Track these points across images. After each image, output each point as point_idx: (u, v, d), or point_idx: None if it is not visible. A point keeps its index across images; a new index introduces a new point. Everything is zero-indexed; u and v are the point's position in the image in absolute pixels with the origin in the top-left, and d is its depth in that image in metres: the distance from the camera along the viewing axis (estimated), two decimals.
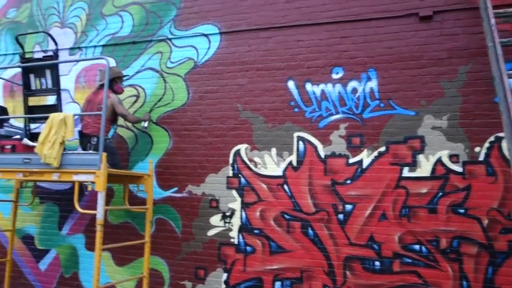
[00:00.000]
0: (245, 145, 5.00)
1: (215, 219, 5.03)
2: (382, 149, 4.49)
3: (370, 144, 4.54)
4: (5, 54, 6.42)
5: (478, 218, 4.10)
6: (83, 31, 5.98)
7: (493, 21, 3.81)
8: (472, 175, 4.17)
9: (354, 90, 4.65)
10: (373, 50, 4.62)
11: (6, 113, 5.49)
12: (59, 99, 4.78)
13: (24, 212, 5.99)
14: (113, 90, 4.87)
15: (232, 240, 4.93)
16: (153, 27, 5.57)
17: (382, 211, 4.43)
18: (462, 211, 4.15)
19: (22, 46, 4.98)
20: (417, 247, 4.25)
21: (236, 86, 5.10)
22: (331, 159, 4.65)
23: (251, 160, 4.96)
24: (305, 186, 4.71)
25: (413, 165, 4.36)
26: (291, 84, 4.89)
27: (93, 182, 4.30)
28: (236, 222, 4.95)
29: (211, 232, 5.04)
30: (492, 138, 4.16)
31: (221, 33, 5.24)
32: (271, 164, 4.88)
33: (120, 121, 5.34)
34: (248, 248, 4.86)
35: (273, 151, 4.88)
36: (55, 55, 4.74)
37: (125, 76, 5.26)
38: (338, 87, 4.71)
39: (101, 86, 4.83)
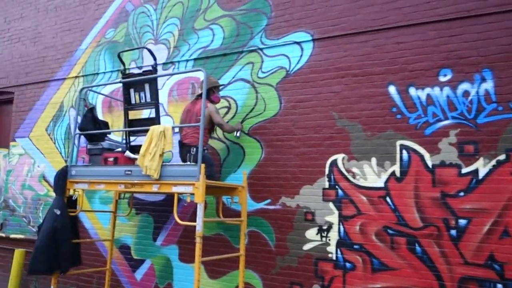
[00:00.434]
0: (342, 155, 4.75)
1: (311, 233, 4.81)
2: (502, 157, 4.01)
3: (486, 152, 4.08)
4: (104, 72, 6.80)
5: None
6: (175, 46, 6.14)
7: None
8: None
9: (466, 93, 4.23)
10: (487, 48, 4.18)
11: (108, 127, 5.75)
12: (157, 112, 4.88)
13: (121, 223, 6.20)
14: (210, 100, 4.90)
15: (329, 255, 4.68)
16: (244, 38, 5.57)
17: (503, 227, 3.93)
18: None
19: (123, 63, 5.19)
20: None
21: (331, 94, 4.89)
22: (441, 169, 4.24)
23: (349, 171, 4.70)
24: (410, 199, 4.35)
25: None
26: (392, 89, 4.58)
27: (191, 194, 4.29)
28: (333, 236, 4.69)
29: (307, 247, 4.82)
30: None
31: (314, 40, 5.08)
32: (371, 174, 4.58)
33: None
34: (348, 265, 4.57)
35: (373, 161, 4.58)
36: (154, 70, 4.86)
37: (221, 85, 5.28)
38: (447, 90, 4.31)
39: (199, 96, 4.88)
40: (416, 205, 4.31)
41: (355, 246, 4.55)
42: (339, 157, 4.77)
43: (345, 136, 4.76)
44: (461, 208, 4.10)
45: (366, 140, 4.63)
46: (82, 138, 5.87)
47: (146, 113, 6.06)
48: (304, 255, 4.82)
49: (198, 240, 4.14)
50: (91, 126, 5.28)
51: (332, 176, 4.78)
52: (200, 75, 5.76)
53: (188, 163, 4.57)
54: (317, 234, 4.78)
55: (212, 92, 4.96)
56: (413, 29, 4.52)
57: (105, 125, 5.64)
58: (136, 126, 5.14)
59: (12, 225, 7.49)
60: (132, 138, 5.57)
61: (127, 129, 5.03)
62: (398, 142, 4.47)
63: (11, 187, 7.65)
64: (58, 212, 5.02)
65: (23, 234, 7.28)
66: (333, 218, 4.71)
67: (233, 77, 5.57)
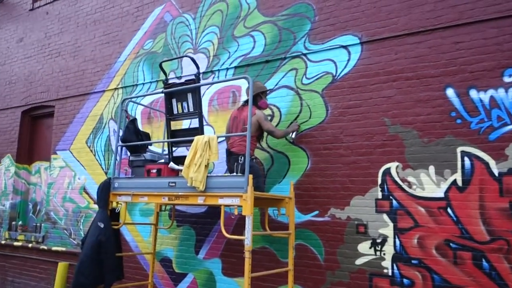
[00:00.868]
0: (396, 163, 4.47)
1: (364, 247, 4.53)
2: None
3: None
4: (143, 83, 6.76)
5: None
6: (215, 54, 6.03)
7: None
8: None
9: None
10: None
11: (149, 138, 5.67)
12: (201, 121, 4.75)
13: (162, 235, 6.09)
14: (257, 106, 4.72)
15: (385, 270, 4.38)
16: (286, 43, 5.39)
17: None
18: None
19: (165, 73, 5.10)
20: None
21: (383, 99, 4.63)
22: (509, 178, 3.90)
23: (404, 180, 4.41)
24: (475, 210, 4.02)
25: None
26: (450, 92, 4.28)
27: (239, 206, 4.10)
28: (389, 250, 4.39)
29: (359, 261, 4.54)
30: None
31: (362, 43, 4.84)
32: (429, 184, 4.27)
33: None
34: (406, 281, 4.26)
35: (431, 169, 4.27)
36: (197, 79, 4.73)
37: (268, 90, 5.12)
38: None
39: (246, 102, 4.72)
40: (481, 216, 3.98)
41: (413, 261, 4.24)
42: (393, 165, 4.49)
43: (399, 143, 4.48)
44: None
45: (423, 147, 4.34)
46: (124, 149, 5.83)
47: (186, 124, 5.97)
48: (357, 270, 4.54)
49: (247, 255, 3.93)
50: (134, 137, 5.20)
51: (385, 186, 4.50)
52: (242, 83, 5.62)
53: (234, 174, 4.40)
54: (370, 247, 4.50)
55: (259, 97, 4.78)
56: (471, 28, 4.22)
57: (146, 136, 5.56)
58: (178, 137, 5.02)
59: (53, 237, 7.51)
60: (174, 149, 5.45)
61: (170, 139, 4.91)
62: (459, 149, 4.16)
63: (52, 200, 7.70)
64: (102, 225, 4.94)
65: (64, 246, 7.28)
66: (388, 230, 4.42)
67: (276, 84, 5.39)
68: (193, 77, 4.76)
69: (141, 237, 6.39)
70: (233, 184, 4.12)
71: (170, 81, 5.08)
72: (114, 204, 5.14)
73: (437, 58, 4.38)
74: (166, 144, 6.05)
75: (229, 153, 4.64)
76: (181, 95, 4.88)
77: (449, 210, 4.13)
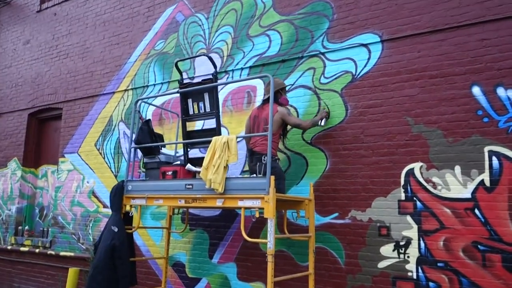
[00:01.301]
0: (419, 164, 4.36)
1: (387, 249, 4.41)
2: None
3: None
4: (154, 84, 6.65)
5: None
6: (229, 54, 5.93)
7: None
8: None
9: None
10: None
11: (163, 140, 5.55)
12: (218, 122, 4.63)
13: (174, 239, 5.96)
14: (278, 103, 4.59)
15: (409, 274, 4.25)
16: (303, 42, 5.28)
17: None
18: None
19: (181, 73, 4.99)
20: None
21: (405, 98, 4.52)
22: None
23: (428, 181, 4.29)
24: (504, 211, 3.89)
25: None
26: (476, 90, 4.17)
27: (260, 208, 3.98)
28: (413, 253, 4.27)
29: (382, 264, 4.41)
30: None
31: (382, 41, 4.74)
32: (455, 184, 4.15)
33: None
34: (431, 284, 4.13)
35: (457, 169, 4.15)
36: (215, 78, 4.62)
37: (288, 85, 5.01)
38: None
39: (266, 100, 4.61)
40: (511, 217, 3.86)
41: (439, 264, 4.12)
42: (416, 166, 4.37)
43: (423, 143, 4.36)
44: None
45: (448, 147, 4.22)
46: (135, 151, 5.70)
47: (199, 125, 5.85)
48: (380, 273, 4.41)
49: (270, 259, 3.80)
50: (148, 139, 5.08)
51: (408, 187, 4.38)
52: (258, 83, 5.52)
53: (254, 176, 4.27)
54: (393, 250, 4.37)
55: (279, 94, 4.66)
56: (499, 24, 4.11)
57: (160, 138, 5.44)
58: (194, 138, 4.90)
59: (61, 242, 7.37)
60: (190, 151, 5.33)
61: (187, 141, 4.79)
62: (486, 148, 4.04)
63: (60, 204, 7.56)
64: (116, 229, 4.82)
65: (72, 251, 7.14)
66: (412, 232, 4.30)
67: (293, 84, 5.28)
68: (209, 76, 4.65)
69: (152, 241, 6.26)
70: (254, 186, 4.00)
71: (184, 81, 4.96)
72: (128, 208, 5.02)
73: (462, 56, 4.27)
74: (178, 145, 5.96)
75: (251, 152, 4.52)
76: (197, 95, 4.77)
77: (476, 211, 4.01)
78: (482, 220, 3.97)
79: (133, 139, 5.12)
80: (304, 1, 5.39)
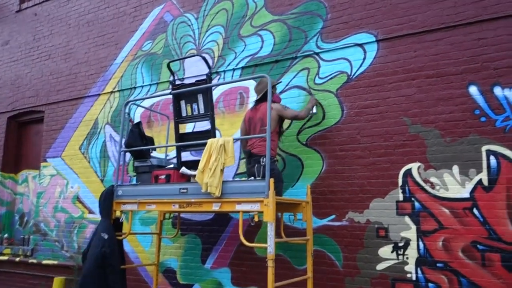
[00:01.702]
0: (417, 164, 4.33)
1: (385, 251, 4.36)
2: None
3: None
4: (142, 86, 6.48)
5: None
6: (220, 55, 5.82)
7: None
8: None
9: None
10: None
11: (154, 143, 5.39)
12: (213, 124, 4.51)
13: (165, 245, 5.79)
14: (271, 101, 4.47)
15: (408, 275, 4.21)
16: (297, 43, 5.22)
17: None
18: None
19: (173, 73, 4.85)
20: None
21: (401, 98, 4.50)
22: None
23: (426, 181, 4.26)
24: (502, 210, 3.89)
25: None
26: (473, 90, 4.17)
27: (259, 212, 3.87)
28: (412, 254, 4.23)
29: (380, 266, 4.36)
30: None
31: (378, 41, 4.71)
32: (453, 184, 4.14)
33: None
34: (431, 285, 4.10)
35: (455, 169, 4.14)
36: (209, 79, 4.51)
37: (278, 82, 4.93)
38: None
39: (258, 101, 4.52)
40: (509, 216, 3.86)
41: (439, 265, 4.09)
42: (414, 166, 4.34)
43: (420, 143, 4.34)
44: None
45: (445, 147, 4.21)
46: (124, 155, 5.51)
47: (189, 127, 5.72)
48: (378, 275, 4.35)
49: (270, 264, 3.70)
50: (139, 141, 4.91)
51: (406, 188, 4.35)
52: (250, 84, 5.42)
53: (253, 178, 4.17)
54: (392, 252, 4.33)
55: (272, 93, 4.55)
56: (496, 23, 4.13)
57: (151, 141, 5.28)
58: (187, 140, 4.77)
59: (43, 250, 7.09)
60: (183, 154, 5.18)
61: (181, 143, 4.65)
62: (484, 148, 4.04)
63: (42, 210, 7.29)
64: (106, 236, 4.63)
65: (56, 259, 6.87)
66: (411, 233, 4.26)
67: (287, 85, 5.21)
68: (203, 77, 4.53)
69: (141, 248, 6.07)
70: (253, 189, 3.89)
71: (177, 82, 4.83)
72: (118, 213, 4.83)
73: (458, 55, 4.27)
74: (169, 148, 5.80)
75: (249, 154, 4.40)
76: (190, 97, 4.65)
77: (475, 210, 4.00)
78: (481, 219, 3.96)
79: (123, 142, 4.94)
80: (297, 1, 5.33)
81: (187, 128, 5.74)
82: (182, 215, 5.67)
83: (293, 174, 4.99)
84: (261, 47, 5.48)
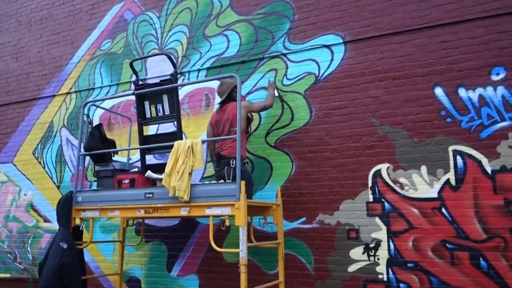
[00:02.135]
0: (386, 165, 4.36)
1: (356, 252, 4.35)
2: None
3: None
4: (101, 87, 6.18)
5: None
6: (184, 55, 5.64)
7: None
8: None
9: None
10: None
11: (115, 146, 5.12)
12: (179, 125, 4.34)
13: (128, 253, 5.53)
14: (235, 101, 4.36)
15: (380, 276, 4.22)
16: (264, 43, 5.14)
17: None
18: None
19: (136, 73, 4.63)
20: None
21: (369, 99, 4.51)
22: (502, 175, 3.91)
23: (395, 182, 4.30)
24: (470, 209, 3.98)
25: None
26: (438, 91, 4.25)
27: (230, 216, 3.75)
28: (383, 254, 4.25)
29: (352, 268, 4.35)
30: None
31: (345, 43, 4.71)
32: (422, 184, 4.19)
33: None
34: (402, 286, 4.13)
35: (423, 169, 4.20)
36: (175, 78, 4.33)
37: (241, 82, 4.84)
38: (501, 90, 4.02)
39: (222, 103, 4.41)
40: (476, 215, 3.95)
41: (409, 265, 4.12)
42: (383, 167, 4.37)
43: (389, 143, 4.37)
44: None
45: (413, 147, 4.26)
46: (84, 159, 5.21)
47: (152, 129, 5.51)
48: (350, 277, 4.34)
49: (243, 269, 3.60)
50: (100, 145, 4.65)
51: (376, 188, 4.37)
52: (215, 85, 5.27)
53: (222, 181, 4.04)
54: (363, 253, 4.33)
55: (234, 93, 4.44)
56: (458, 27, 4.23)
57: (112, 144, 5.01)
58: (151, 143, 4.56)
59: None
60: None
61: (146, 146, 4.44)
62: (451, 148, 4.12)
63: None
64: (65, 246, 4.36)
65: (8, 272, 6.43)
66: (381, 234, 4.28)
67: (254, 86, 5.12)
68: (168, 77, 4.35)
69: (102, 257, 5.77)
70: (224, 192, 3.77)
71: (140, 83, 4.61)
72: (78, 221, 4.55)
73: (424, 58, 4.34)
74: (131, 152, 5.56)
75: (218, 157, 4.25)
76: (155, 97, 4.46)
77: (443, 210, 4.07)
78: (449, 219, 4.04)
79: (82, 145, 4.66)
80: (262, 1, 5.25)
81: (150, 130, 5.52)
82: (146, 221, 5.44)
83: (262, 177, 4.90)
84: (227, 48, 5.36)
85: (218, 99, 5.04)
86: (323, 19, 4.87)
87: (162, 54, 4.73)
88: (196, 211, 3.90)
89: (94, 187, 5.62)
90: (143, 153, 4.58)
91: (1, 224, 6.67)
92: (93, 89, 6.23)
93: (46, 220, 6.25)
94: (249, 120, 4.49)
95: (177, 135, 4.35)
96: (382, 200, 4.32)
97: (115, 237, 5.63)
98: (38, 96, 6.71)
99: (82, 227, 4.57)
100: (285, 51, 5.01)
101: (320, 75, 4.79)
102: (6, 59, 7.22)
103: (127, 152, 5.54)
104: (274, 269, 4.58)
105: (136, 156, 5.57)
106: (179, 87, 5.37)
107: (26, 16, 7.18)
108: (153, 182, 4.41)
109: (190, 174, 3.90)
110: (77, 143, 4.65)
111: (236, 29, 5.35)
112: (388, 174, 4.34)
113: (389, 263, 4.21)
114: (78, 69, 6.44)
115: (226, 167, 4.05)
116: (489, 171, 3.96)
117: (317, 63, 4.83)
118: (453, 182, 4.08)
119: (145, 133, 4.76)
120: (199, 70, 5.49)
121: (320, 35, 4.86)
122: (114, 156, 5.05)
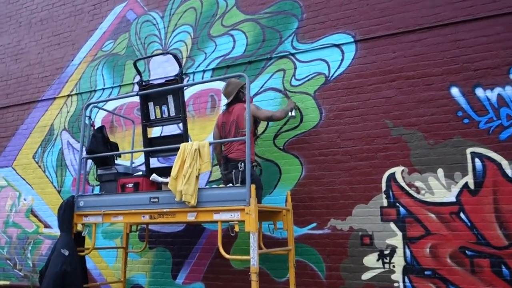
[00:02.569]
0: (400, 168, 4.19)
1: (371, 259, 4.18)
2: None
3: None
4: (103, 89, 6.02)
5: None
6: (189, 56, 5.48)
7: None
8: None
9: None
10: None
11: (118, 149, 4.96)
12: (185, 127, 4.18)
13: (132, 260, 5.36)
14: (243, 102, 4.20)
15: (395, 284, 4.05)
16: (271, 43, 4.99)
17: None
18: None
19: (140, 73, 4.48)
20: None
21: (382, 100, 4.36)
22: None
23: (411, 185, 4.13)
24: (490, 213, 3.81)
25: None
26: (455, 91, 4.09)
27: (240, 221, 3.58)
28: (398, 261, 4.07)
29: (366, 276, 4.17)
30: None
31: (356, 42, 4.56)
32: (439, 188, 4.02)
33: None
34: None
35: (440, 172, 4.03)
36: (180, 78, 4.17)
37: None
38: None
39: (229, 105, 4.25)
40: (497, 220, 3.78)
41: (427, 272, 3.95)
42: (398, 170, 4.20)
43: (403, 146, 4.21)
44: None
45: (429, 150, 4.10)
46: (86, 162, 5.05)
47: (156, 131, 5.34)
48: (364, 285, 4.16)
49: (254, 278, 3.41)
50: (102, 148, 4.49)
51: (390, 193, 4.20)
52: (221, 86, 5.12)
53: (231, 185, 3.87)
54: (378, 260, 4.15)
55: (241, 93, 4.28)
56: (471, 25, 4.08)
57: (115, 147, 4.85)
58: (156, 145, 4.40)
59: None
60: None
61: (153, 148, 4.28)
62: (469, 150, 3.96)
63: None
64: (67, 253, 4.19)
65: (7, 279, 6.26)
66: (396, 240, 4.10)
67: (261, 87, 4.96)
68: (173, 77, 4.20)
69: (105, 264, 5.59)
70: (233, 197, 3.60)
71: (144, 83, 4.45)
72: (79, 227, 4.38)
73: (438, 56, 4.19)
74: (135, 155, 5.40)
75: (226, 160, 4.08)
76: (160, 98, 4.30)
77: (462, 215, 3.90)
78: (469, 224, 3.87)
79: (84, 148, 4.50)
80: (269, 0, 5.11)
81: (153, 132, 5.36)
82: (150, 226, 5.27)
83: (271, 181, 4.73)
84: (233, 48, 5.20)
85: (224, 101, 4.89)
86: (333, 18, 4.72)
87: (167, 53, 4.56)
88: (204, 216, 3.73)
89: (97, 191, 5.46)
90: (148, 156, 4.42)
91: (1, 230, 6.50)
92: (95, 91, 6.07)
93: (46, 226, 6.09)
94: (256, 123, 4.33)
95: (183, 137, 4.19)
96: (397, 204, 4.15)
97: (118, 243, 5.47)
98: (38, 98, 6.56)
99: (84, 233, 4.40)
100: (293, 51, 4.86)
101: (330, 75, 4.63)
102: (6, 61, 7.07)
103: (130, 155, 5.37)
104: (283, 277, 4.42)
105: (138, 160, 5.41)
106: (184, 88, 5.26)
107: (26, 17, 7.03)
108: (158, 186, 4.24)
109: (197, 177, 3.73)
110: (79, 146, 4.48)
111: (242, 29, 5.20)
112: (403, 178, 4.17)
113: (405, 271, 4.03)
114: (80, 71, 6.28)
115: (234, 170, 3.88)
116: (510, 174, 3.79)
117: (327, 63, 4.67)
118: (471, 185, 3.91)
119: (149, 136, 4.62)
120: (204, 71, 5.33)
121: (330, 34, 4.71)
122: (116, 159, 4.90)
